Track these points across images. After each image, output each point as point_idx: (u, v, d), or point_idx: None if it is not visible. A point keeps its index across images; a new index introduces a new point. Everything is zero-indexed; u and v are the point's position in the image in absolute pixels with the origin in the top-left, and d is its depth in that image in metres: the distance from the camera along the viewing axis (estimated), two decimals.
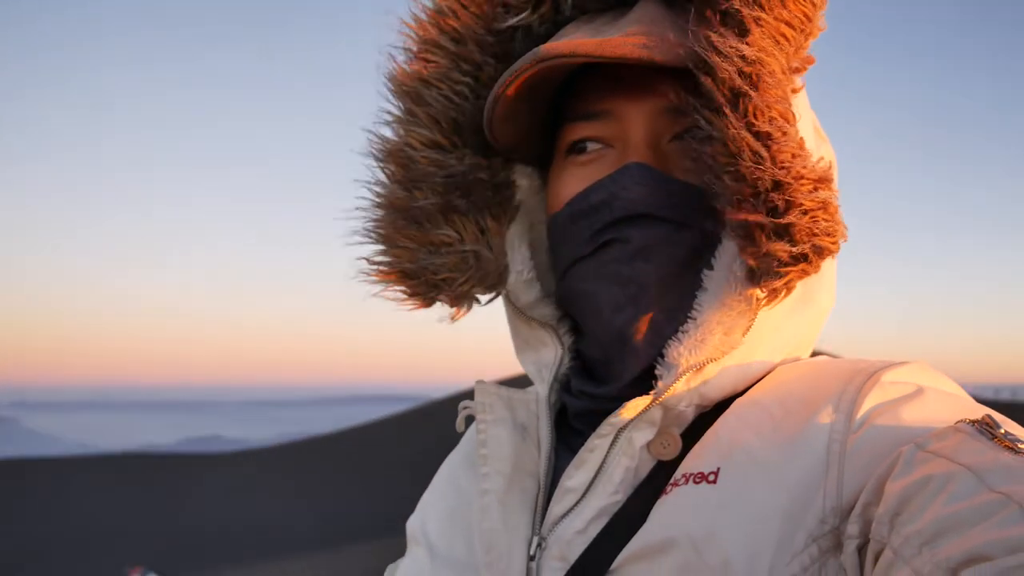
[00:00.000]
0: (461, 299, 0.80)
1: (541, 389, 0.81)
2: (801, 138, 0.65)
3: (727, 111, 0.63)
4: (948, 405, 0.63)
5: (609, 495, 0.71)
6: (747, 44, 0.63)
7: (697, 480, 0.66)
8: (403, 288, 0.79)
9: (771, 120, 0.63)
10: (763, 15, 0.64)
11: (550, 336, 0.82)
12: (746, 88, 0.63)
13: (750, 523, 0.61)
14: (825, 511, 0.59)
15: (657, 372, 0.71)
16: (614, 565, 0.67)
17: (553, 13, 0.80)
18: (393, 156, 0.79)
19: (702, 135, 0.66)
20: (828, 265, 0.77)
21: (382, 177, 0.80)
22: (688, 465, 0.68)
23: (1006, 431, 0.54)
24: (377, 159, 0.80)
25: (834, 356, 0.77)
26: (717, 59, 0.64)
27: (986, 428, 0.54)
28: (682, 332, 0.70)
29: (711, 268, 0.70)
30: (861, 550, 0.56)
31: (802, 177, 0.63)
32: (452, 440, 0.98)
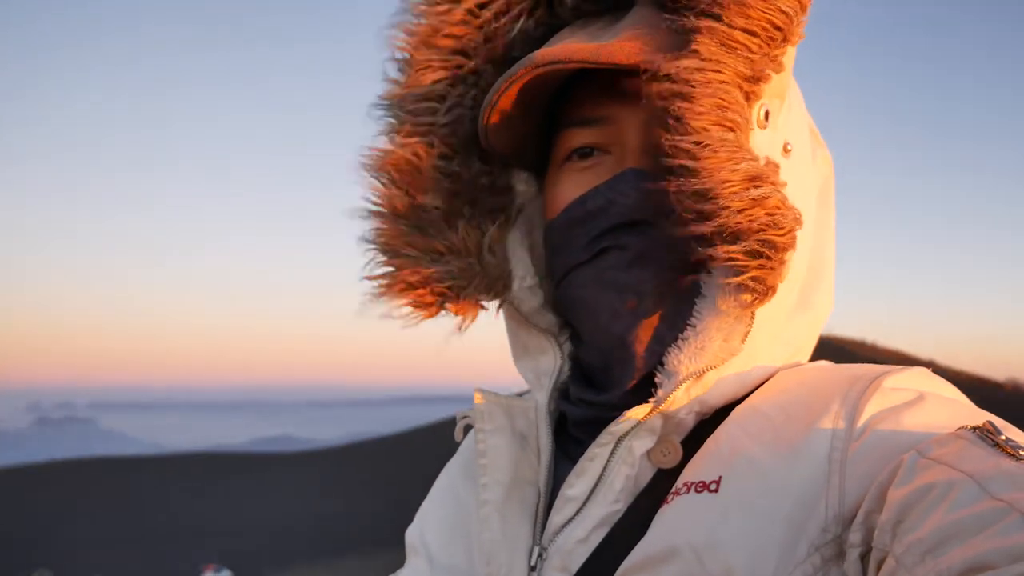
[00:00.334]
0: (468, 307, 0.80)
1: (540, 397, 0.81)
2: (739, 142, 0.65)
3: (670, 121, 0.64)
4: (949, 411, 0.62)
5: (610, 504, 0.70)
6: (689, 56, 0.64)
7: (699, 489, 0.66)
8: (409, 298, 0.78)
9: (704, 129, 0.63)
10: (715, 24, 0.64)
11: (550, 343, 0.82)
12: (681, 101, 0.64)
13: (752, 532, 0.61)
14: (827, 519, 0.59)
15: (657, 380, 0.70)
16: (616, 575, 0.67)
17: (548, 17, 0.80)
18: (395, 164, 0.78)
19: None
20: (824, 270, 0.77)
21: (383, 185, 0.79)
22: (689, 474, 0.68)
23: (1007, 437, 0.53)
24: (378, 168, 0.79)
25: (835, 363, 0.76)
26: (661, 65, 0.65)
27: (987, 434, 0.53)
28: (682, 339, 0.70)
29: (709, 274, 0.69)
30: (864, 558, 0.55)
31: (728, 180, 0.63)
32: None
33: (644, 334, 0.72)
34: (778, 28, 0.65)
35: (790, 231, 0.65)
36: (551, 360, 0.82)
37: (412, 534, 0.90)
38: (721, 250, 0.64)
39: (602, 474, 0.71)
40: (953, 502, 0.48)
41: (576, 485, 0.72)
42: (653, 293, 0.71)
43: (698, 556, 0.62)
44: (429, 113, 0.79)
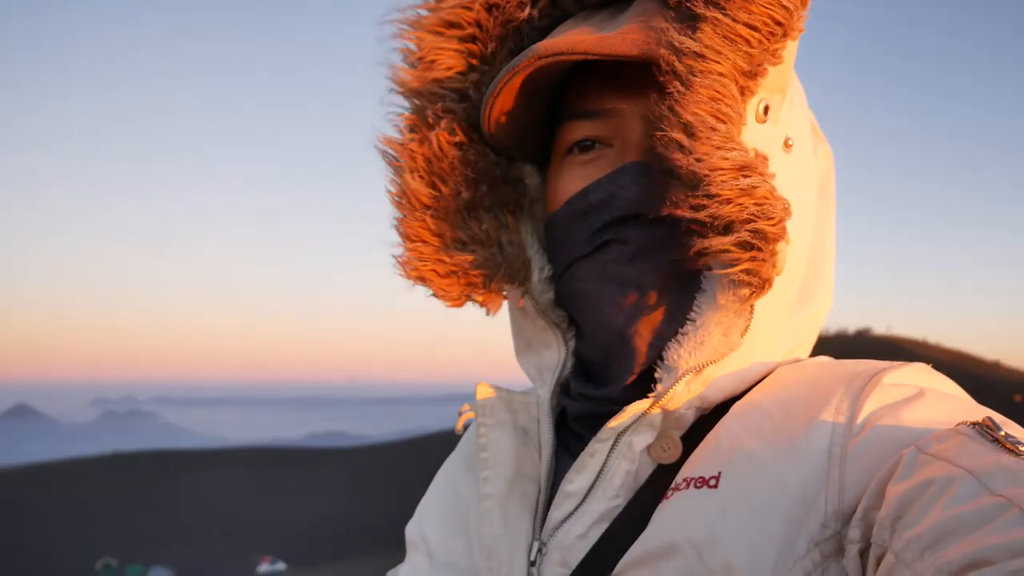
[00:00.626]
0: (492, 297, 0.80)
1: (542, 392, 0.81)
2: (730, 134, 0.65)
3: (665, 110, 0.65)
4: (949, 407, 0.62)
5: (610, 499, 0.70)
6: (693, 40, 0.64)
7: (698, 485, 0.66)
8: (437, 287, 0.78)
9: (696, 116, 0.63)
10: (719, 15, 0.63)
11: (556, 338, 0.82)
12: (680, 86, 0.64)
13: (752, 528, 0.61)
14: (827, 515, 0.59)
15: (657, 375, 0.70)
16: (616, 570, 0.66)
17: (552, 8, 0.80)
18: (419, 154, 0.78)
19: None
20: (824, 265, 0.77)
21: (405, 175, 0.79)
22: (689, 469, 0.68)
23: (1007, 433, 0.53)
24: (401, 158, 0.79)
25: (834, 358, 0.76)
26: (662, 53, 0.65)
27: (987, 430, 0.53)
28: (681, 334, 0.70)
29: (709, 268, 0.69)
30: (863, 554, 0.55)
31: (718, 168, 0.63)
32: None
33: (644, 328, 0.72)
34: (778, 23, 0.65)
35: (780, 221, 0.65)
36: (555, 355, 0.81)
37: (412, 530, 0.90)
38: (714, 242, 0.64)
39: (602, 469, 0.71)
40: (952, 498, 0.48)
41: (576, 480, 0.72)
42: (654, 287, 0.71)
43: (698, 552, 0.62)
44: (447, 101, 0.79)
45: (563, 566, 0.70)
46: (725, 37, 0.64)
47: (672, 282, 0.71)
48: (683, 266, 0.69)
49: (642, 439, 0.71)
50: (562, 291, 0.79)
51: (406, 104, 0.80)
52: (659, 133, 0.65)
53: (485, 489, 0.77)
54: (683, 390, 0.69)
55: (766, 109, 0.68)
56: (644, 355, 0.72)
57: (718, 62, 0.63)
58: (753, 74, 0.66)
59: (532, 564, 0.73)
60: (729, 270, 0.65)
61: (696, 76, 0.63)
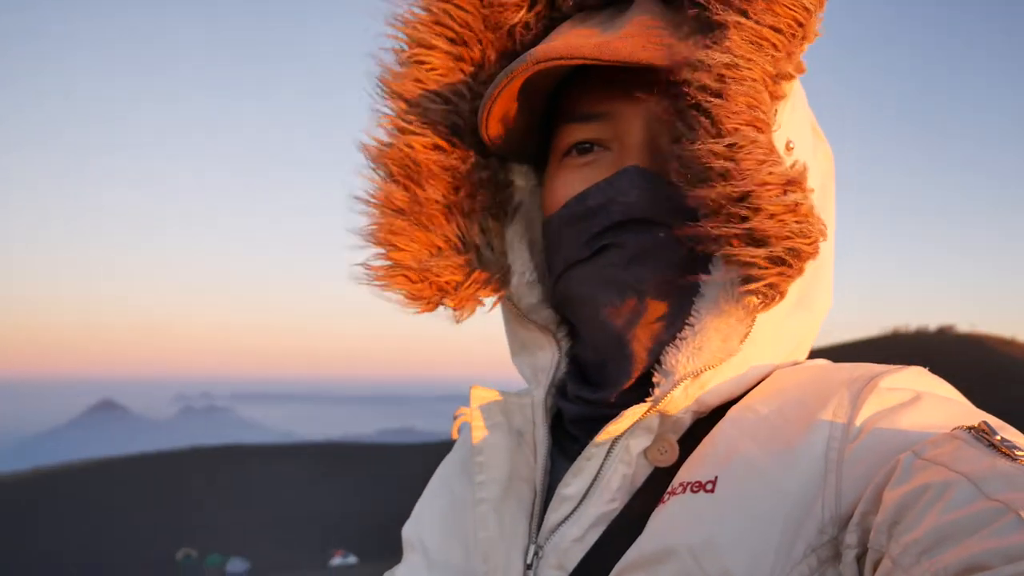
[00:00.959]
0: (465, 303, 0.79)
1: (537, 394, 0.81)
2: (771, 143, 0.63)
3: (699, 119, 0.63)
4: (945, 411, 0.62)
5: (606, 502, 0.70)
6: (721, 50, 0.62)
7: (695, 489, 0.65)
8: (407, 292, 0.78)
9: (736, 130, 0.62)
10: (743, 20, 0.62)
11: (548, 340, 0.81)
12: (711, 97, 0.62)
13: (749, 533, 0.61)
14: (824, 520, 0.59)
15: (655, 379, 0.70)
16: (612, 574, 0.66)
17: (549, 10, 0.79)
18: (394, 158, 0.77)
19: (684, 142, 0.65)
20: (823, 267, 0.75)
21: (380, 178, 0.79)
22: (686, 474, 0.67)
23: (1003, 437, 0.53)
24: (376, 160, 0.78)
25: (831, 361, 0.75)
26: (688, 65, 0.63)
27: (983, 435, 0.53)
28: (680, 339, 0.69)
29: (708, 274, 0.68)
30: (860, 559, 0.55)
31: (766, 183, 0.62)
32: None
33: (642, 333, 0.71)
34: (800, 24, 0.64)
35: (815, 241, 0.64)
36: (548, 356, 0.81)
37: (409, 531, 0.90)
38: (744, 253, 0.63)
39: (598, 473, 0.71)
40: (949, 503, 0.48)
41: (572, 484, 0.71)
42: (652, 292, 0.70)
43: (695, 556, 0.61)
44: (428, 105, 0.78)
45: (559, 570, 0.70)
46: (751, 42, 0.62)
47: (671, 287, 0.70)
48: (685, 272, 0.68)
49: (639, 442, 0.70)
50: (560, 294, 0.78)
51: (389, 104, 0.79)
52: (697, 146, 0.63)
53: (480, 494, 0.76)
54: (681, 395, 0.69)
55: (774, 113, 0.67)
56: (642, 359, 0.71)
57: (750, 68, 0.62)
58: (780, 77, 0.65)
59: (528, 567, 0.73)
60: (751, 285, 0.65)
61: (730, 84, 0.62)
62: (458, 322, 0.81)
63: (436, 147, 0.78)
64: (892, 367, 0.67)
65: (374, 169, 0.78)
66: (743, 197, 0.62)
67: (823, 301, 0.77)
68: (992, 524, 0.44)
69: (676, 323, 0.70)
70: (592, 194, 0.73)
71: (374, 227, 0.77)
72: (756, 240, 0.63)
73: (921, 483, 0.51)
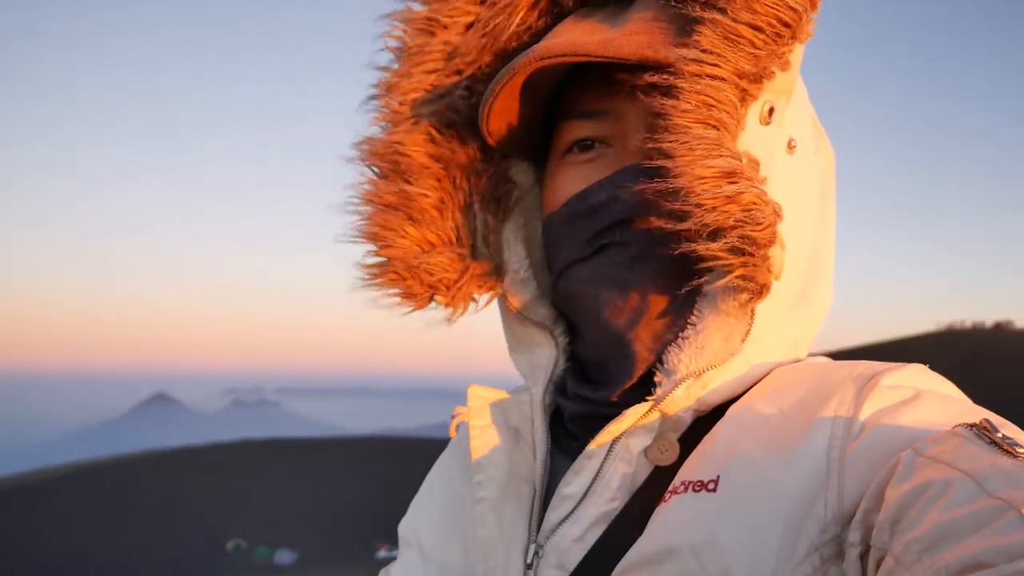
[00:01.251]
0: (458, 299, 0.79)
1: (536, 391, 0.80)
2: (720, 140, 0.63)
3: (656, 119, 0.64)
4: (946, 409, 0.62)
5: (606, 502, 0.70)
6: (690, 45, 0.62)
7: (696, 488, 0.65)
8: (398, 289, 0.78)
9: (685, 128, 0.62)
10: (717, 16, 0.62)
11: (545, 337, 0.81)
12: (660, 95, 0.63)
13: (751, 532, 0.60)
14: (826, 519, 0.59)
15: (656, 379, 0.70)
16: (613, 574, 0.66)
17: (551, 6, 0.79)
18: (385, 154, 0.78)
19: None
20: (822, 265, 0.76)
21: (373, 174, 0.79)
22: (687, 472, 0.67)
23: (1004, 435, 0.52)
24: (368, 155, 0.78)
25: (831, 359, 0.75)
26: (661, 59, 0.64)
27: (984, 432, 0.53)
28: (682, 338, 0.69)
29: (711, 273, 0.68)
30: (863, 558, 0.55)
31: (702, 177, 0.62)
32: None
33: (644, 332, 0.71)
34: (786, 24, 0.63)
35: (769, 226, 0.64)
36: (546, 353, 0.81)
37: (405, 528, 0.90)
38: (702, 248, 0.63)
39: (599, 472, 0.70)
40: (950, 500, 0.48)
41: (573, 483, 0.71)
42: (654, 291, 0.70)
43: (696, 556, 0.61)
44: (423, 102, 0.78)
45: (560, 569, 0.70)
46: (725, 38, 0.62)
47: (673, 286, 0.69)
48: (686, 271, 0.68)
49: (639, 441, 0.70)
50: (560, 292, 0.78)
51: (383, 101, 0.79)
52: (647, 143, 0.64)
53: (479, 493, 0.76)
54: (683, 394, 0.69)
55: (771, 111, 0.67)
56: (643, 359, 0.71)
57: (716, 65, 0.62)
58: (759, 76, 0.64)
59: (528, 567, 0.72)
60: (726, 278, 0.64)
61: (684, 82, 0.62)
62: (450, 320, 0.81)
63: (431, 142, 0.78)
64: (893, 365, 0.67)
65: (367, 165, 0.79)
66: (678, 192, 0.62)
67: (823, 299, 0.77)
68: (994, 522, 0.44)
69: (678, 322, 0.70)
70: (593, 192, 0.72)
71: (365, 223, 0.78)
72: (709, 234, 0.63)
73: (922, 481, 0.51)
